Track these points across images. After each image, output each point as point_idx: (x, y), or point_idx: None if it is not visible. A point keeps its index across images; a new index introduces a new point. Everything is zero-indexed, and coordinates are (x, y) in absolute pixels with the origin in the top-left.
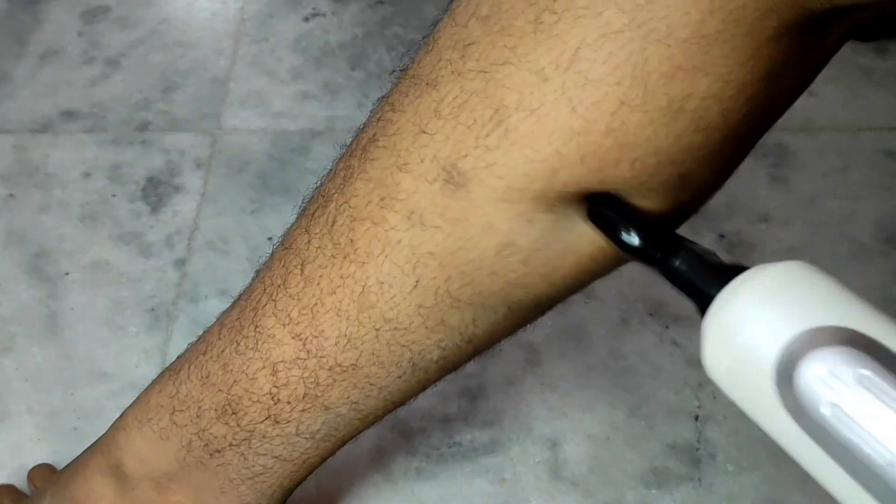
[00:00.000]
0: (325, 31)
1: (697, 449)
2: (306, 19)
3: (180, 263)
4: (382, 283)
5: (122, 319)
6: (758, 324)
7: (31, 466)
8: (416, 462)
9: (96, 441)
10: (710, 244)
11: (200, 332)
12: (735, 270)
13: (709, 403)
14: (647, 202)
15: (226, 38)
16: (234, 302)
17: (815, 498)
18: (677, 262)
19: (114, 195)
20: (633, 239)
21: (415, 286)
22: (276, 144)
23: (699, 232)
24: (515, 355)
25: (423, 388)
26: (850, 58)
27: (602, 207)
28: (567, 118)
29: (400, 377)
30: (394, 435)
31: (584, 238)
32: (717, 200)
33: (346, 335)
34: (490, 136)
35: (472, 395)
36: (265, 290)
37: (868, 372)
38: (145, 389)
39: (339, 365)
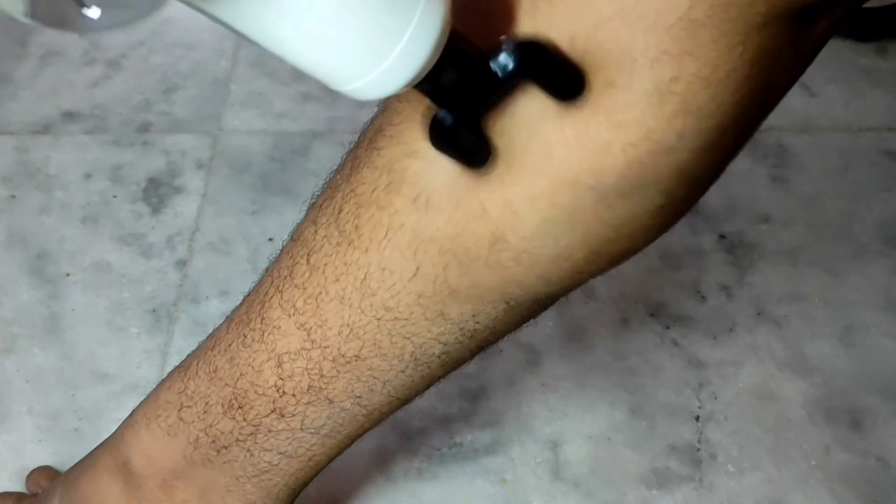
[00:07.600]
0: None
1: (698, 449)
2: None
3: (181, 264)
4: (384, 269)
5: (123, 320)
6: None
7: (32, 467)
8: (416, 462)
9: (106, 439)
10: (710, 245)
11: (201, 333)
12: None
13: (709, 404)
14: (645, 199)
15: (227, 39)
16: (244, 298)
17: (815, 499)
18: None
19: (115, 196)
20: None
21: (414, 274)
22: (277, 145)
23: (700, 232)
24: (516, 356)
25: (427, 385)
26: (851, 58)
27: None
28: None
29: (402, 371)
30: (394, 435)
31: (577, 244)
32: (718, 201)
33: (348, 324)
34: None
35: (472, 395)
36: (272, 282)
37: None
38: (155, 387)
39: (343, 356)
